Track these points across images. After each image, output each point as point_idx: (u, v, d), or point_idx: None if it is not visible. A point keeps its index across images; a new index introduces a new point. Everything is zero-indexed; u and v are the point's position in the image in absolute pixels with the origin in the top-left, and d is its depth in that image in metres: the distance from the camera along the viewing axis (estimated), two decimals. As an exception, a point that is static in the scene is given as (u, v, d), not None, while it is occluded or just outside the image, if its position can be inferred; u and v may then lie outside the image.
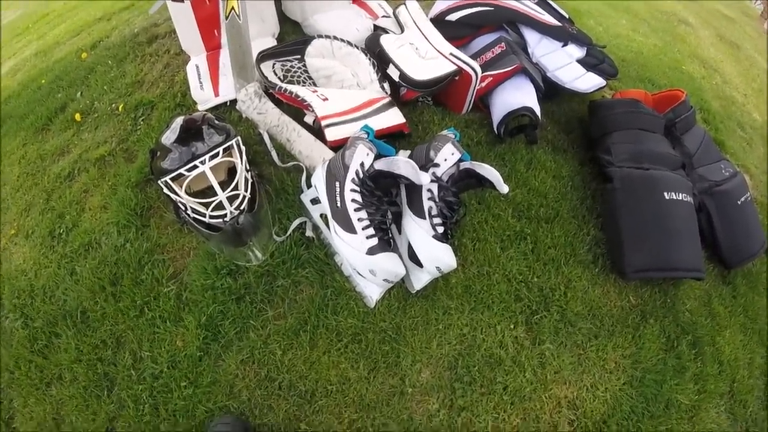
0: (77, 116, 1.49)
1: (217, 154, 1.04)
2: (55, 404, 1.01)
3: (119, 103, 1.47)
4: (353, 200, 0.97)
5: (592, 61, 1.54)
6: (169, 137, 1.06)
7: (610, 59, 1.61)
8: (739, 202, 1.39)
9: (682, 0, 3.36)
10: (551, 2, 1.70)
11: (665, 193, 1.23)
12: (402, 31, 1.40)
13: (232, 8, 1.14)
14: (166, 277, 1.08)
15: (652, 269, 1.19)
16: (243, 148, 1.10)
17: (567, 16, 1.69)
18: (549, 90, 1.42)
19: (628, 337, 1.15)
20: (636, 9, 2.92)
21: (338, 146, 1.11)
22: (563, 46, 1.52)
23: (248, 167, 1.10)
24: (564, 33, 1.52)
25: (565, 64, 1.47)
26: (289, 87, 1.21)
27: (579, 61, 1.51)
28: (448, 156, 1.01)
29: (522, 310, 1.10)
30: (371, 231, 0.97)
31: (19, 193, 1.37)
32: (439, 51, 1.32)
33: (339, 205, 0.99)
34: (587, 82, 1.45)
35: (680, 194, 1.24)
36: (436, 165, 1.01)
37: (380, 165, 0.97)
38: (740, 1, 4.78)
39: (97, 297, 1.08)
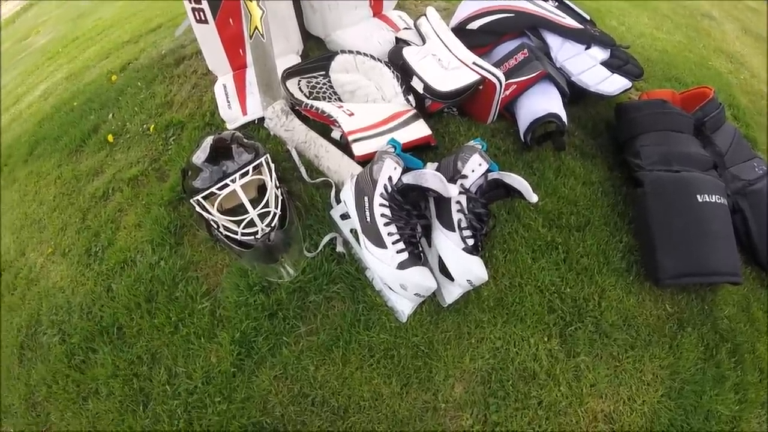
0: (110, 137, 1.54)
1: (247, 173, 1.05)
2: (92, 418, 1.03)
3: (150, 124, 1.50)
4: (382, 215, 0.97)
5: (617, 63, 1.50)
6: (199, 157, 1.08)
7: (634, 59, 1.57)
8: (774, 201, 1.33)
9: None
10: (571, 4, 1.67)
11: (698, 196, 1.19)
12: (424, 42, 1.39)
13: (256, 28, 1.17)
14: (200, 294, 1.10)
15: (686, 275, 1.15)
16: (272, 165, 1.11)
17: (588, 18, 1.66)
18: (574, 94, 1.39)
19: (665, 347, 1.11)
20: (658, 5, 2.85)
21: (366, 161, 1.12)
22: (586, 48, 1.49)
23: (278, 184, 1.12)
24: (586, 35, 1.49)
25: (589, 68, 1.44)
26: (315, 103, 1.22)
27: (603, 63, 1.48)
28: (475, 167, 1.00)
29: (555, 321, 1.08)
30: (401, 245, 0.96)
31: (55, 213, 1.41)
32: (461, 61, 1.31)
33: (368, 219, 0.99)
34: (613, 84, 1.41)
35: (713, 196, 1.20)
36: (464, 176, 1.00)
37: (408, 178, 0.96)
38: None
39: (132, 314, 1.10)
